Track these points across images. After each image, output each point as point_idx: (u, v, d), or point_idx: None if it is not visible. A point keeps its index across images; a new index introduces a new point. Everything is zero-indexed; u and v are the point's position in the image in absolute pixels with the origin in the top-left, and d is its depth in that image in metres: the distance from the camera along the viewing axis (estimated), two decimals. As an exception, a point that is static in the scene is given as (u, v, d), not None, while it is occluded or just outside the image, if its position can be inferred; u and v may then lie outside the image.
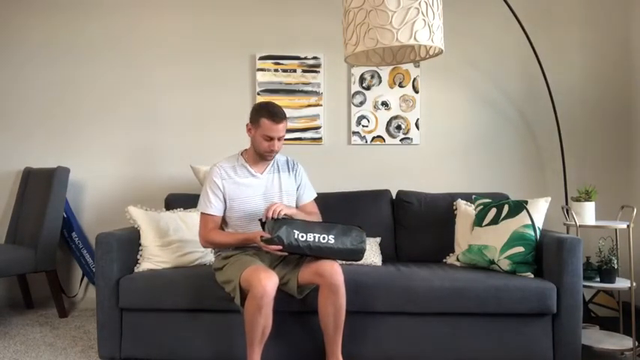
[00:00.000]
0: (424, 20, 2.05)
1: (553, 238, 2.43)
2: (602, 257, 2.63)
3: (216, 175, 2.39)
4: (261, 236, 2.18)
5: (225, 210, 2.41)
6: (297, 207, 2.49)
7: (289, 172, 2.51)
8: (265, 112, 2.32)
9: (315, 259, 2.23)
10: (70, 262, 3.54)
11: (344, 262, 2.30)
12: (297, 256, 2.32)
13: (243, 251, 2.35)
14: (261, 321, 2.09)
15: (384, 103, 3.45)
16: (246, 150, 2.50)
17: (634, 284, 2.55)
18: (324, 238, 2.19)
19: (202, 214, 2.39)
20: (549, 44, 3.39)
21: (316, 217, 2.50)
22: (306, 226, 2.21)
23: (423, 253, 2.94)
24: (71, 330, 2.97)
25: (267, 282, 2.06)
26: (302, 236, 2.17)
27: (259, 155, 2.41)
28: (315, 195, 2.58)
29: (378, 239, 2.92)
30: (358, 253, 2.25)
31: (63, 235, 3.39)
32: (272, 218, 2.19)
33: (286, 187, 2.47)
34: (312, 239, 2.18)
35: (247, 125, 2.40)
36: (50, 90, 3.51)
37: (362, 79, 3.45)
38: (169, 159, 3.49)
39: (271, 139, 2.33)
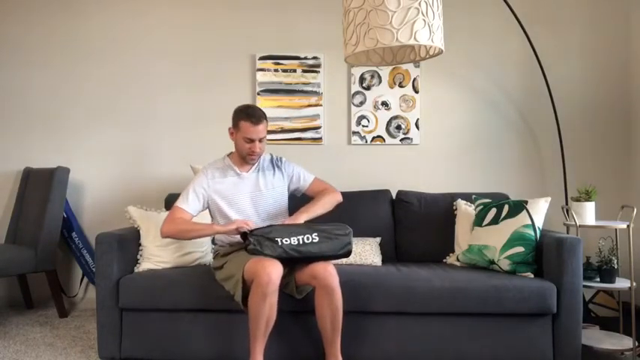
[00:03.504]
0: (424, 20, 2.05)
1: (553, 238, 2.43)
2: (602, 257, 2.62)
3: (202, 178, 2.42)
4: (246, 247, 2.20)
5: (210, 212, 2.46)
6: (304, 193, 2.57)
7: (275, 169, 2.52)
8: (244, 115, 2.34)
9: (308, 262, 2.22)
10: (70, 262, 3.54)
11: (337, 259, 2.29)
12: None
13: (240, 249, 2.36)
14: (266, 311, 2.07)
15: (384, 103, 3.45)
16: (232, 152, 2.53)
17: (634, 284, 2.55)
18: (307, 238, 2.18)
19: (175, 207, 2.37)
20: (549, 44, 3.39)
21: (329, 191, 2.51)
22: (288, 231, 2.20)
23: (423, 253, 2.94)
24: (71, 330, 2.97)
25: (273, 270, 2.05)
26: (286, 240, 2.16)
27: (242, 158, 2.44)
28: (314, 175, 2.60)
29: (378, 239, 2.92)
30: (345, 249, 2.23)
31: (63, 235, 3.39)
32: (252, 234, 2.19)
33: (273, 185, 2.48)
34: (295, 243, 2.17)
35: (229, 129, 2.43)
36: (50, 90, 3.51)
37: (362, 79, 3.45)
38: (169, 159, 3.49)
39: (251, 140, 2.35)
